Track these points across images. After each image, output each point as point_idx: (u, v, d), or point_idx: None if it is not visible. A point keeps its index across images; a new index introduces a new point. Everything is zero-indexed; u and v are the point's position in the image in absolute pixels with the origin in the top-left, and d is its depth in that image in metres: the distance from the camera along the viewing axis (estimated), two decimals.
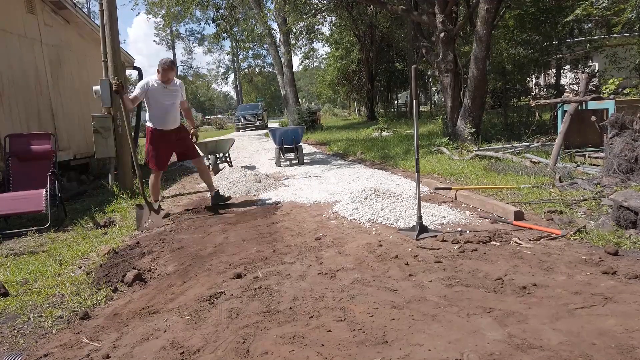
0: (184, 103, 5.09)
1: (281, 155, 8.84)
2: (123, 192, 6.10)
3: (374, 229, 3.79)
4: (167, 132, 4.82)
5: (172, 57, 4.83)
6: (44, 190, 4.75)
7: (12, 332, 2.34)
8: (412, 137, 11.46)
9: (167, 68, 4.71)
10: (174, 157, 5.30)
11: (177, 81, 4.98)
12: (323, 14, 19.18)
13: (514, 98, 12.67)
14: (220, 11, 15.95)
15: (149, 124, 4.81)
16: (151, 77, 4.82)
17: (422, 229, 3.51)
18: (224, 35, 17.26)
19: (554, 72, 13.72)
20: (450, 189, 4.86)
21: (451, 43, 8.91)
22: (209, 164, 8.47)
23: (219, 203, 5.15)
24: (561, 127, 5.77)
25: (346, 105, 47.22)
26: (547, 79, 14.83)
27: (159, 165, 4.85)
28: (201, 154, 5.26)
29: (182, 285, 2.82)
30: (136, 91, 4.74)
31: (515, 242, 3.17)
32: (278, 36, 19.58)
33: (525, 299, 2.26)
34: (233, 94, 71.16)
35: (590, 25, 12.89)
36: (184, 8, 14.03)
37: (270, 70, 51.49)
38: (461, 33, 11.55)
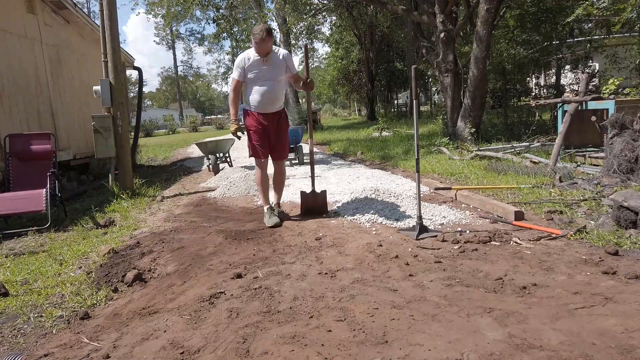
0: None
1: None
2: (123, 192, 6.10)
3: (374, 229, 3.79)
4: (265, 115, 4.22)
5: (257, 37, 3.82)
6: (44, 190, 4.75)
7: (12, 332, 2.34)
8: (412, 137, 11.46)
9: (259, 40, 3.88)
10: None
11: (280, 52, 4.18)
12: (323, 14, 19.19)
13: (514, 98, 12.69)
14: (221, 11, 15.95)
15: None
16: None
17: (422, 229, 3.51)
18: (224, 35, 17.27)
19: (554, 72, 13.73)
20: (450, 189, 4.86)
21: (451, 43, 8.91)
22: (209, 164, 8.47)
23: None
24: (561, 127, 5.77)
25: (346, 105, 47.26)
26: (547, 79, 14.84)
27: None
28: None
29: (182, 285, 2.82)
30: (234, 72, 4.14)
31: (515, 242, 3.17)
32: (278, 36, 19.59)
33: (525, 299, 2.26)
34: None
35: (590, 25, 12.89)
36: (185, 8, 14.03)
37: None
38: (461, 33, 11.55)
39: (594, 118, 5.59)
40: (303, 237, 3.70)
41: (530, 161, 6.09)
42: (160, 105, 65.60)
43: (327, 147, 12.31)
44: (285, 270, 2.92)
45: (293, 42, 19.46)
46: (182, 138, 24.54)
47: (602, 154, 5.40)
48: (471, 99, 8.51)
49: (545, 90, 13.25)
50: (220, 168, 8.22)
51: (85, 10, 32.13)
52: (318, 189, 4.54)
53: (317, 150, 11.73)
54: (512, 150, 7.14)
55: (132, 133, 9.31)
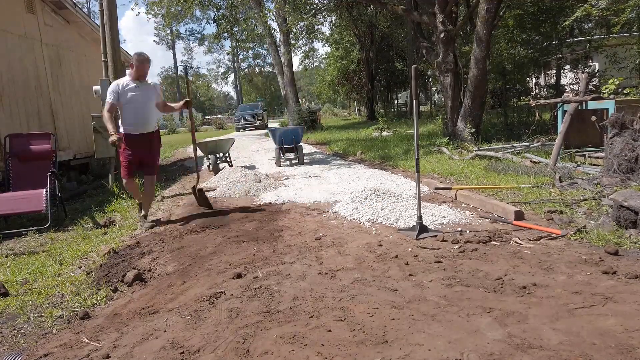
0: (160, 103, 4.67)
1: (281, 155, 8.84)
2: (123, 192, 6.10)
3: (374, 228, 3.79)
4: (139, 135, 4.46)
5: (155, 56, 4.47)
6: (44, 190, 4.75)
7: (12, 331, 2.34)
8: (412, 137, 11.45)
9: (145, 60, 4.37)
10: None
11: (151, 81, 4.61)
12: (323, 13, 19.17)
13: (514, 98, 12.68)
14: (221, 11, 15.94)
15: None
16: (121, 78, 4.55)
17: (422, 228, 3.50)
18: (225, 35, 17.26)
19: (554, 72, 13.73)
20: (450, 188, 4.86)
21: (451, 43, 8.91)
22: (209, 164, 8.47)
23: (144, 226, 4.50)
24: (561, 127, 5.77)
25: (346, 105, 47.26)
26: (547, 78, 14.84)
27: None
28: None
29: (182, 285, 2.82)
30: (109, 96, 4.37)
31: (515, 242, 3.17)
32: (278, 36, 19.57)
33: (525, 299, 2.26)
34: (233, 93, 71.51)
35: (590, 25, 12.89)
36: (185, 8, 14.03)
37: (270, 70, 51.53)
38: (461, 33, 11.55)
39: (594, 118, 5.59)
40: (303, 237, 3.70)
41: (530, 161, 6.09)
42: None
43: (327, 147, 12.31)
44: (285, 270, 2.92)
45: (293, 42, 19.44)
46: (182, 138, 24.53)
47: (602, 154, 5.40)
48: (471, 98, 8.51)
49: (545, 90, 13.25)
50: (220, 168, 8.22)
51: (85, 10, 32.13)
52: (318, 189, 4.54)
53: (317, 150, 11.73)
54: (512, 150, 7.14)
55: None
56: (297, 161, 8.82)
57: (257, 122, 27.32)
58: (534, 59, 11.67)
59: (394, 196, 4.63)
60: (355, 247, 3.31)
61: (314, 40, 22.26)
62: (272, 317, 2.26)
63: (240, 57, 51.85)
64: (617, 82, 6.70)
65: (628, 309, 2.08)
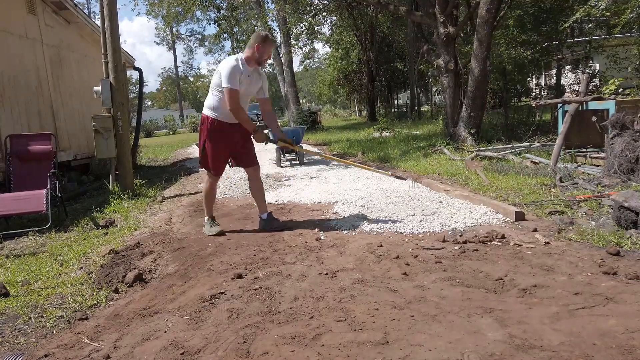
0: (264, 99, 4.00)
1: (282, 155, 8.84)
2: (123, 192, 6.10)
3: (374, 229, 3.78)
4: (231, 125, 3.74)
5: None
6: (44, 191, 4.75)
7: (12, 332, 2.34)
8: (413, 138, 11.47)
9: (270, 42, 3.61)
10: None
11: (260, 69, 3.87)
12: (323, 14, 19.19)
13: (515, 98, 12.69)
14: (222, 11, 15.94)
15: (210, 112, 3.73)
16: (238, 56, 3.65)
17: None
18: (225, 35, 17.27)
19: (555, 72, 13.73)
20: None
21: (451, 44, 8.91)
22: None
23: (271, 228, 3.91)
24: (562, 128, 5.77)
25: (347, 105, 47.30)
26: (547, 79, 14.84)
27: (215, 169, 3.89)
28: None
29: (182, 286, 2.82)
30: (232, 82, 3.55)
31: (516, 243, 3.17)
32: (278, 37, 19.59)
33: (525, 300, 2.26)
34: None
35: (590, 25, 12.89)
36: (185, 8, 14.05)
37: (270, 70, 51.50)
38: (461, 33, 11.55)
39: (594, 118, 5.59)
40: (303, 237, 3.70)
41: (531, 161, 6.09)
42: (161, 106, 65.67)
43: (328, 147, 12.31)
44: (286, 270, 2.92)
45: (293, 42, 19.46)
46: (183, 138, 24.55)
47: (602, 154, 5.40)
48: (471, 99, 8.51)
49: (545, 91, 13.25)
50: None
51: (86, 10, 32.15)
52: (318, 190, 4.53)
53: (318, 151, 11.73)
54: (513, 150, 7.14)
55: (133, 133, 9.31)
56: (297, 162, 8.82)
57: (258, 122, 27.29)
58: (534, 60, 11.68)
59: (394, 196, 4.63)
60: (355, 247, 3.31)
61: (315, 40, 22.28)
62: (273, 317, 2.26)
63: None
64: (618, 82, 6.70)
65: (629, 309, 2.08)
